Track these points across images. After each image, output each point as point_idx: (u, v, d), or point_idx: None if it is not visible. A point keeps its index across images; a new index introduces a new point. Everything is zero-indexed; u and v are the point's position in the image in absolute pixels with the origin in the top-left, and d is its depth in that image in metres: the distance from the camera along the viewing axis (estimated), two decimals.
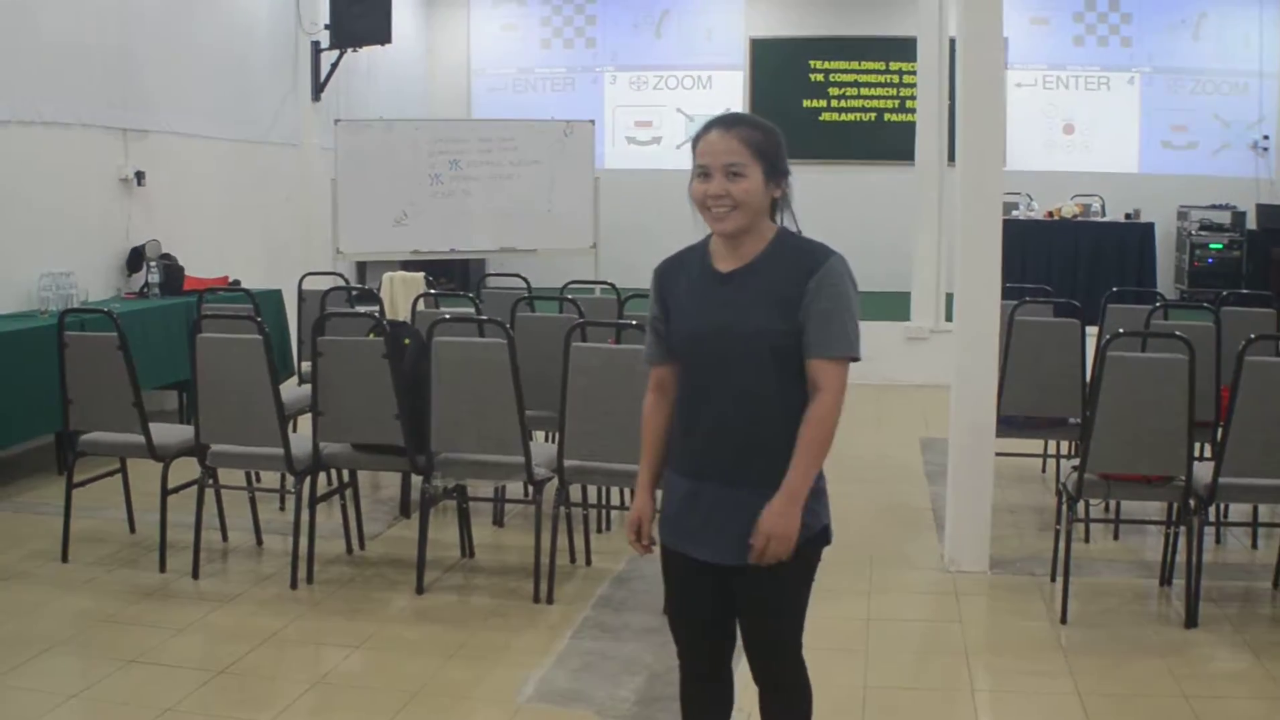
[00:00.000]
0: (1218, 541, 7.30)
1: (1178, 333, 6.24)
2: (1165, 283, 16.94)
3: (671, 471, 3.73)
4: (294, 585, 6.42)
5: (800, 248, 3.58)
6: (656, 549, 3.79)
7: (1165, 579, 6.56)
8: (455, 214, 14.50)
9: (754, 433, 3.55)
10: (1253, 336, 6.00)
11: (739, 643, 3.77)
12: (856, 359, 3.52)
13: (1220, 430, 6.12)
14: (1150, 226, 16.20)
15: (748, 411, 3.54)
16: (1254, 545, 7.27)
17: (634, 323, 6.64)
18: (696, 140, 3.58)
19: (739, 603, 3.69)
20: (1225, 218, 17.04)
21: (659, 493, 3.80)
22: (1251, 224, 17.07)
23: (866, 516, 7.77)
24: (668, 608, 3.84)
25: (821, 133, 17.89)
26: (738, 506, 3.55)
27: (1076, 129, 18.03)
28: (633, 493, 7.68)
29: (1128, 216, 16.52)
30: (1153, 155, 17.89)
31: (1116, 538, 7.40)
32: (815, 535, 3.61)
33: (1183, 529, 6.21)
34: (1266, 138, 17.68)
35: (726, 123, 3.55)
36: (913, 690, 5.33)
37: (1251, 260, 16.69)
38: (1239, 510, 7.51)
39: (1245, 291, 9.41)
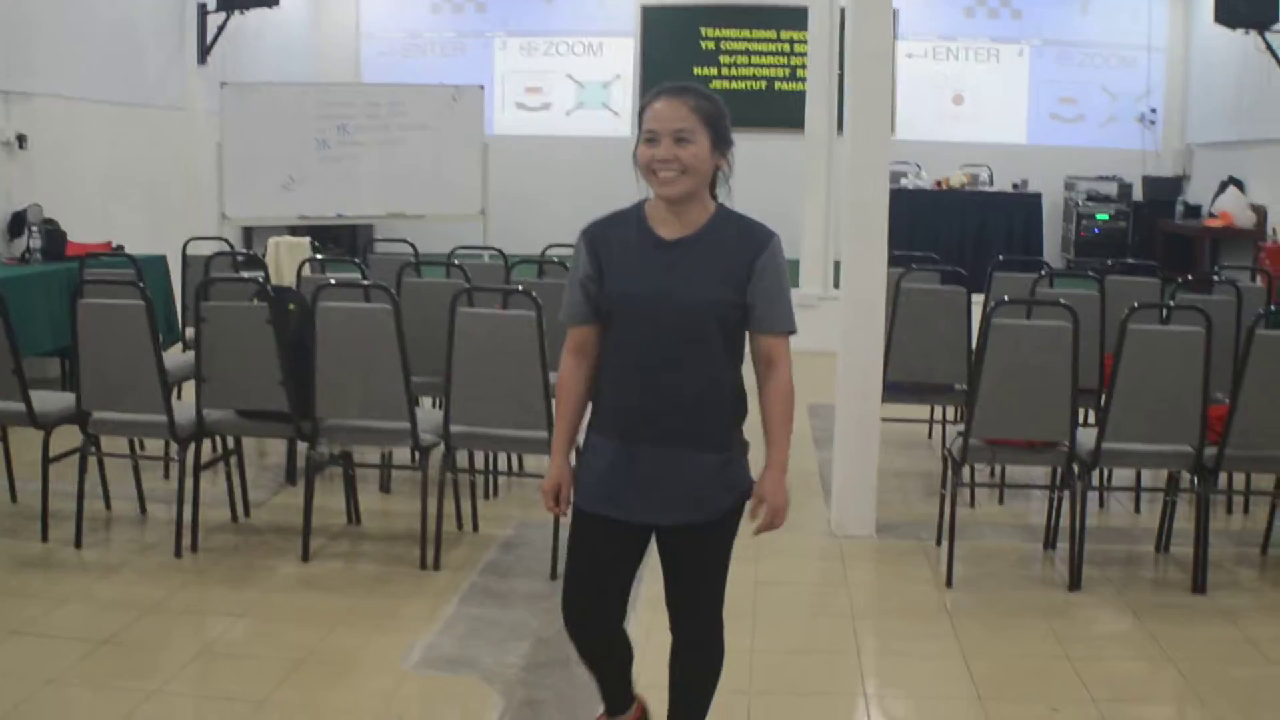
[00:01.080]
0: (1100, 506, 7.42)
1: (1062, 300, 6.34)
2: (1052, 252, 17.17)
3: (596, 434, 3.76)
4: (178, 554, 6.34)
5: (744, 226, 3.69)
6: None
7: (1049, 543, 6.67)
8: (343, 179, 14.39)
9: (693, 395, 3.64)
10: (1135, 305, 6.10)
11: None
12: (795, 332, 3.72)
13: (1104, 397, 6.22)
14: (1038, 197, 16.40)
15: (688, 375, 3.62)
16: (1136, 510, 7.40)
17: (520, 289, 6.62)
18: (644, 108, 3.62)
19: (673, 563, 3.81)
20: (1112, 189, 17.29)
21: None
22: (1138, 195, 17.33)
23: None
24: (571, 572, 3.85)
25: None
26: (677, 467, 3.66)
27: (966, 100, 18.20)
28: (520, 458, 7.72)
29: (1015, 187, 16.72)
30: (1041, 127, 18.11)
31: (1001, 502, 7.51)
32: (745, 491, 3.76)
33: (1066, 494, 6.32)
34: (1154, 110, 17.94)
35: (676, 91, 3.60)
36: (800, 653, 5.37)
37: (1137, 231, 16.96)
38: (1122, 475, 7.64)
39: (1130, 261, 9.54)
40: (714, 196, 3.72)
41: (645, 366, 3.63)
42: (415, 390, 6.50)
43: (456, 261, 8.29)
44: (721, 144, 3.64)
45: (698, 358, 3.62)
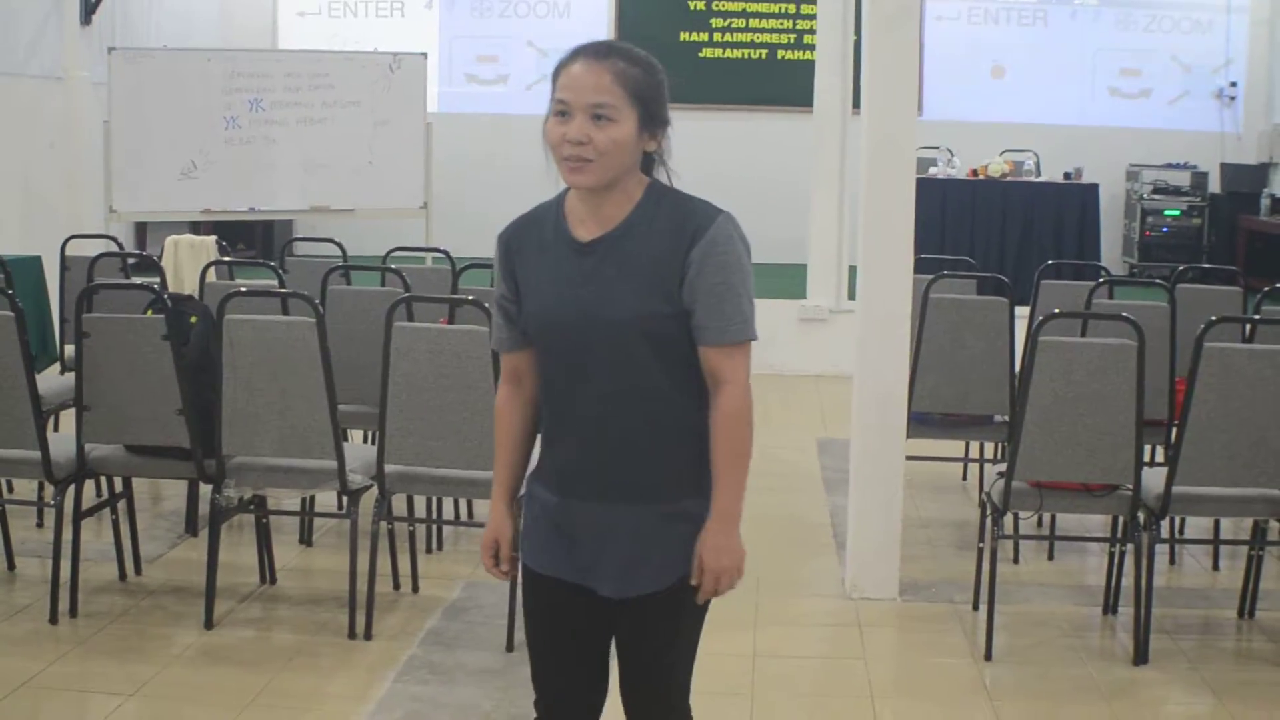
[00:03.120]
0: (1172, 562, 7.44)
1: (1125, 314, 6.34)
2: (1111, 255, 17.20)
3: (534, 481, 3.70)
4: (54, 619, 6.31)
5: (678, 207, 3.51)
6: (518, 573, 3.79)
7: (1110, 607, 6.68)
8: (256, 165, 14.38)
9: (630, 438, 3.51)
10: (1213, 319, 6.11)
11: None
12: (754, 339, 3.51)
13: (1175, 430, 6.22)
14: (1094, 189, 16.45)
15: (622, 412, 3.50)
16: (1215, 566, 7.41)
17: (470, 299, 6.62)
18: (558, 70, 3.46)
19: (622, 636, 3.68)
20: (1184, 179, 17.35)
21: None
22: (1215, 187, 17.38)
23: (753, 533, 7.74)
24: (530, 645, 3.78)
25: (702, 72, 17.94)
26: (613, 527, 3.54)
27: (1007, 72, 18.26)
28: (469, 504, 7.71)
29: (1067, 176, 16.75)
30: (1098, 104, 18.16)
31: (1051, 558, 7.50)
32: None
33: (1130, 547, 6.32)
34: (1234, 85, 18.02)
35: (598, 52, 3.44)
36: None
37: (1214, 229, 17.00)
38: (1197, 525, 7.64)
39: (1206, 266, 9.56)
40: (649, 174, 3.59)
41: (571, 403, 3.55)
42: (343, 422, 6.50)
43: (393, 265, 8.29)
44: (653, 123, 3.48)
45: (631, 389, 3.49)
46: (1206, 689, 5.86)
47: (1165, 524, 6.85)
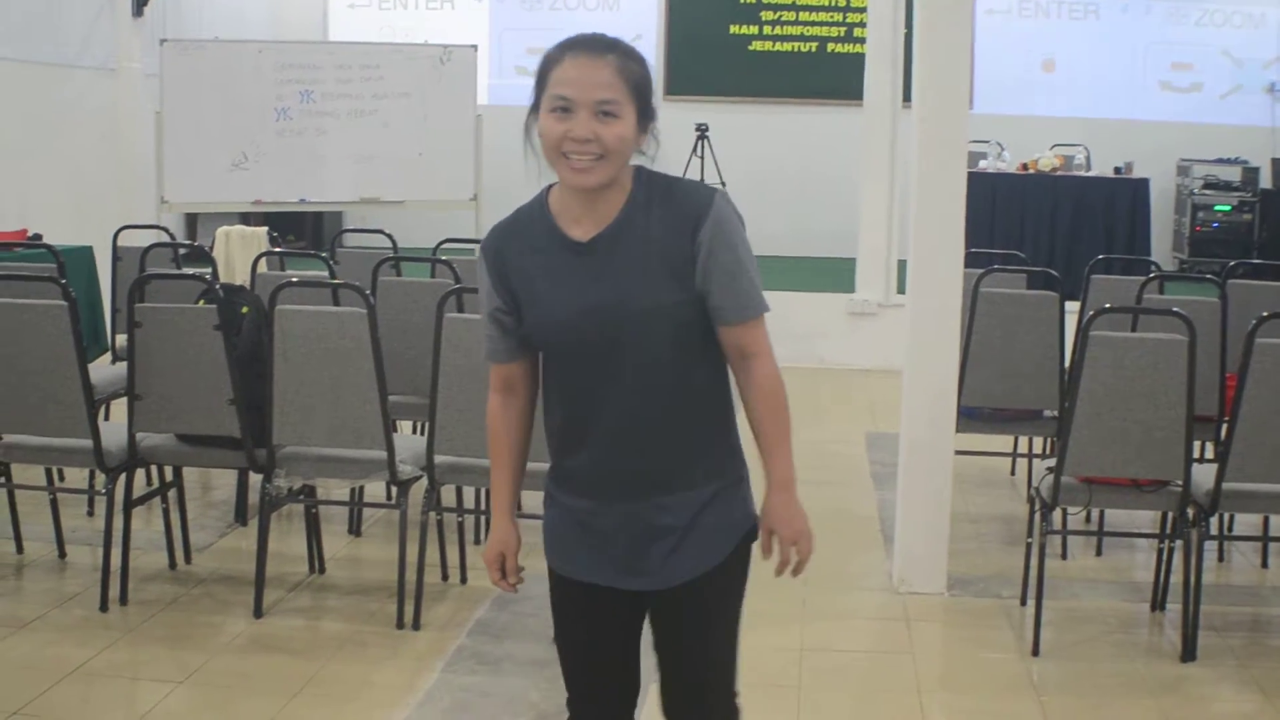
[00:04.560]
0: (1221, 559, 7.42)
1: (1175, 309, 6.31)
2: (1162, 250, 17.12)
3: (555, 487, 3.67)
4: (104, 607, 6.35)
5: (672, 191, 3.50)
6: (525, 583, 3.80)
7: (1158, 603, 6.66)
8: (306, 157, 14.42)
9: (665, 431, 3.50)
10: (1265, 314, 6.08)
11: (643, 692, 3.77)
12: (769, 311, 3.54)
13: (1225, 426, 6.19)
14: (1144, 183, 16.37)
15: (653, 406, 3.49)
16: (1264, 564, 7.38)
17: None
18: (549, 65, 3.39)
19: (661, 632, 3.67)
20: (1235, 174, 17.24)
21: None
22: (1266, 182, 17.28)
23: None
24: (562, 647, 3.79)
25: (752, 64, 17.90)
26: (653, 521, 3.53)
27: (1058, 66, 18.18)
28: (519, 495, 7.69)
29: (1118, 171, 16.68)
30: (1149, 99, 18.07)
31: (1100, 554, 7.49)
32: (749, 531, 3.63)
33: (1179, 544, 6.28)
34: None
35: (595, 46, 3.39)
36: None
37: (1266, 225, 16.89)
38: (1246, 522, 7.58)
39: (1257, 262, 9.52)
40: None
41: (597, 406, 3.49)
42: (393, 413, 6.51)
43: (443, 257, 8.30)
44: (647, 117, 3.44)
45: (659, 383, 3.48)
46: (1255, 687, 5.83)
47: (1214, 520, 6.79)
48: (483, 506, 7.44)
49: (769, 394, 3.53)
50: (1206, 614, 6.29)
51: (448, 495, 6.87)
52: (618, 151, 3.36)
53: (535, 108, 3.42)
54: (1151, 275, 8.19)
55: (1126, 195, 16.20)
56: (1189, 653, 6.07)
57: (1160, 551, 6.62)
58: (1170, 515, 6.35)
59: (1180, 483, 6.05)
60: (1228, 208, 16.96)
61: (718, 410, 3.58)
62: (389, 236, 9.53)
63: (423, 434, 6.85)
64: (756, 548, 3.63)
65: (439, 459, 6.24)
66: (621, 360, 3.44)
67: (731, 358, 3.54)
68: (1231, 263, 9.40)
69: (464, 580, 6.82)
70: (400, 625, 6.22)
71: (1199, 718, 5.56)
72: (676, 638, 3.65)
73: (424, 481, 6.34)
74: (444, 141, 14.76)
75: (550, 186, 3.53)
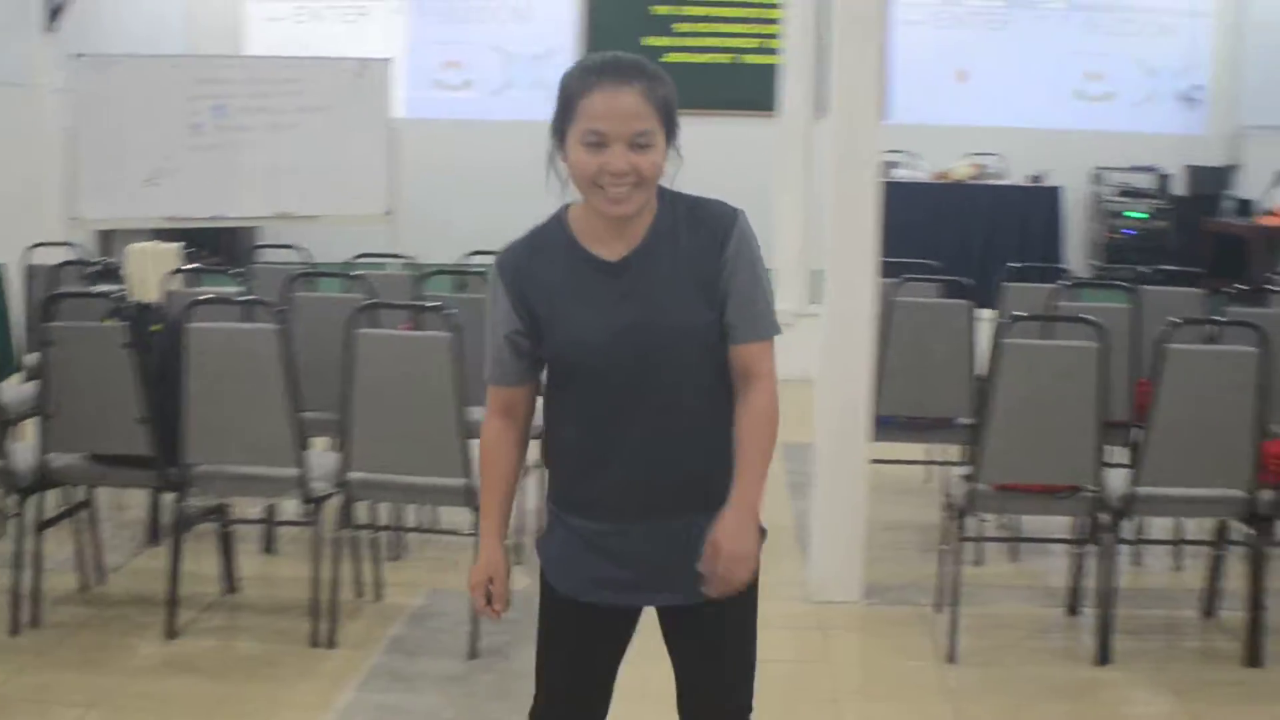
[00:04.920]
0: (1135, 563, 7.45)
1: (1087, 316, 6.35)
2: (1078, 258, 17.25)
3: (567, 513, 3.61)
4: (14, 630, 6.29)
5: (697, 210, 3.50)
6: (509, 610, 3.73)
7: (1072, 608, 6.70)
8: (221, 172, 14.34)
9: (693, 450, 3.50)
10: (1176, 320, 6.14)
11: None
12: (780, 333, 3.57)
13: (1138, 431, 6.24)
14: (1059, 191, 16.48)
15: (682, 426, 3.48)
16: (1178, 567, 7.43)
17: (437, 305, 6.60)
18: (578, 93, 3.31)
19: (684, 647, 3.67)
20: (1149, 182, 17.38)
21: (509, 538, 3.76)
22: (1180, 189, 17.42)
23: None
24: (551, 668, 3.75)
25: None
26: (685, 536, 3.50)
27: (973, 75, 18.27)
28: (432, 511, 7.68)
29: (1033, 180, 16.79)
30: (1064, 108, 18.17)
31: (1015, 560, 7.51)
32: (761, 543, 3.59)
33: (1093, 549, 6.34)
34: (1199, 88, 18.06)
35: (625, 73, 3.30)
36: None
37: (1181, 232, 17.02)
38: (1160, 526, 7.62)
39: (1170, 268, 9.56)
40: None
41: (625, 426, 3.45)
42: (309, 429, 6.48)
43: (357, 272, 8.27)
44: (673, 136, 3.39)
45: (693, 402, 3.48)
46: (1169, 689, 5.88)
47: (1129, 525, 6.83)
48: (398, 523, 7.43)
49: (764, 416, 3.52)
50: (1122, 618, 6.33)
51: (362, 512, 6.84)
52: (653, 179, 3.36)
53: (559, 133, 3.37)
54: (1063, 283, 8.24)
55: (1041, 204, 16.33)
56: (1104, 656, 6.12)
57: (1075, 557, 6.67)
58: (1084, 520, 6.40)
59: (1093, 488, 6.09)
60: (1143, 215, 17.10)
61: (729, 428, 3.54)
62: (302, 251, 9.48)
63: (337, 451, 6.82)
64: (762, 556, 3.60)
65: (353, 475, 6.21)
66: (652, 380, 3.43)
67: (736, 377, 3.53)
68: (1143, 269, 9.47)
69: (379, 597, 6.78)
70: (315, 644, 6.18)
71: None
72: (702, 652, 3.66)
73: (338, 499, 6.31)
74: (359, 155, 14.71)
75: (567, 206, 3.50)
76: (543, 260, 3.48)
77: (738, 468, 3.50)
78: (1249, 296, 8.51)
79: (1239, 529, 6.39)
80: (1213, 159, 17.72)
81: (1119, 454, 7.25)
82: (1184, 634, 6.59)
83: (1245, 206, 16.71)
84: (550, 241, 3.50)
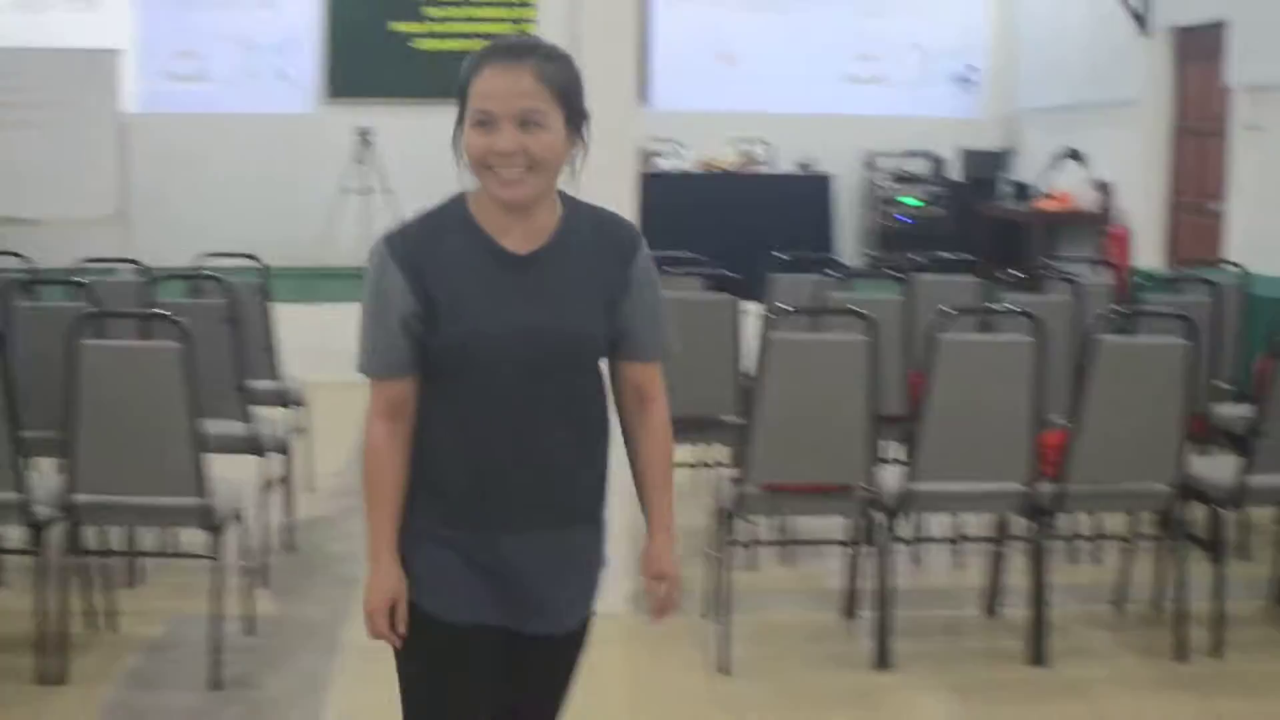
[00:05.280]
0: (915, 562, 7.56)
1: (856, 307, 6.41)
2: (853, 247, 17.45)
3: (438, 524, 3.49)
4: None
5: (603, 220, 3.53)
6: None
7: (850, 611, 6.78)
8: None
9: (581, 459, 3.52)
10: (949, 309, 6.26)
11: None
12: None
13: (912, 426, 6.32)
14: (830, 179, 16.68)
15: (573, 434, 3.48)
16: (958, 565, 7.57)
17: (167, 314, 6.48)
18: (468, 77, 3.32)
19: (532, 678, 3.65)
20: (924, 167, 17.65)
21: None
22: (957, 174, 17.70)
23: None
24: (434, 695, 3.59)
25: (416, 64, 17.82)
26: (563, 553, 3.52)
27: (741, 59, 18.39)
28: (168, 534, 7.55)
29: (802, 167, 16.95)
30: (834, 91, 18.35)
31: (789, 564, 7.58)
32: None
33: (869, 549, 6.42)
34: (975, 69, 18.36)
35: (514, 52, 3.30)
36: None
37: (958, 218, 17.29)
38: (940, 524, 7.76)
39: (945, 255, 9.70)
40: None
41: (516, 429, 3.41)
42: (28, 450, 6.33)
43: (82, 278, 8.10)
44: (577, 120, 3.40)
45: (580, 411, 3.49)
46: (950, 690, 6.00)
47: (906, 523, 6.91)
48: (132, 547, 7.28)
49: (665, 438, 3.65)
50: (902, 619, 6.42)
51: (92, 536, 6.70)
52: (548, 161, 3.32)
53: (460, 121, 3.36)
54: (831, 273, 8.33)
55: (811, 192, 16.53)
56: (883, 660, 6.20)
57: (851, 558, 6.74)
58: (859, 520, 6.46)
59: (866, 486, 6.17)
60: (918, 201, 17.35)
61: (606, 448, 3.58)
62: (24, 258, 9.27)
63: (62, 471, 6.68)
64: None
65: (80, 498, 6.07)
66: (544, 384, 3.42)
67: (627, 397, 3.60)
68: (918, 257, 9.60)
69: (113, 628, 6.65)
70: (43, 681, 6.03)
71: None
72: (547, 686, 3.67)
73: (64, 523, 6.17)
74: (85, 153, 14.51)
75: (462, 195, 3.46)
76: (442, 244, 3.42)
77: (653, 491, 3.66)
78: (1025, 283, 8.68)
79: (1019, 523, 6.50)
80: (989, 143, 18.05)
81: (897, 450, 7.36)
82: (966, 634, 6.71)
83: (1022, 190, 17.02)
84: (450, 225, 3.44)
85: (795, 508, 6.40)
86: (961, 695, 5.95)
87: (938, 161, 17.73)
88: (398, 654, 3.56)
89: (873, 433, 6.10)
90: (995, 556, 6.82)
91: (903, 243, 16.72)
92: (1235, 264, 9.85)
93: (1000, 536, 6.77)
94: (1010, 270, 8.87)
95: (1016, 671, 6.22)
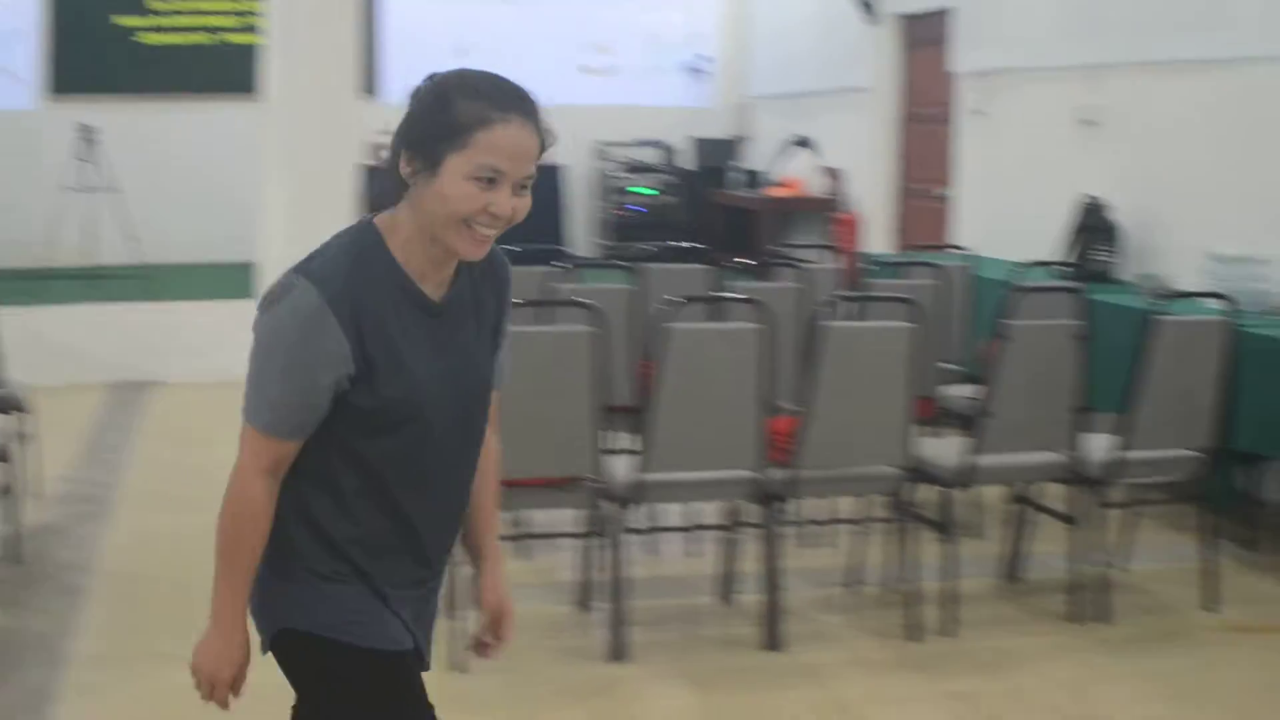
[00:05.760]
0: (652, 552, 7.59)
1: (580, 298, 6.42)
2: (588, 238, 17.48)
3: (346, 570, 3.27)
4: None
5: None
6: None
7: (584, 604, 6.80)
8: None
9: (465, 501, 3.43)
10: (676, 299, 6.30)
11: None
12: None
13: (642, 416, 6.33)
14: (558, 170, 16.70)
15: (468, 480, 3.41)
16: (693, 553, 7.61)
17: None
18: (478, 121, 3.05)
19: None
20: (657, 156, 17.73)
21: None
22: (690, 163, 17.80)
23: (194, 555, 7.61)
24: None
25: (140, 58, 17.33)
26: (434, 595, 3.47)
27: (472, 51, 18.31)
28: None
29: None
30: (568, 82, 18.32)
31: (529, 558, 7.54)
32: None
33: (602, 541, 6.45)
34: (707, 59, 18.47)
35: (529, 109, 3.11)
36: None
37: (691, 207, 17.41)
38: (676, 512, 7.76)
39: (676, 244, 9.76)
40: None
41: (436, 479, 3.29)
42: None
43: None
44: None
45: (479, 449, 3.40)
46: (687, 679, 6.05)
47: (640, 513, 6.92)
48: None
49: (498, 466, 3.57)
50: (639, 609, 6.46)
51: None
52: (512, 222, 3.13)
53: (429, 153, 3.07)
54: (561, 264, 8.31)
55: (542, 182, 16.35)
56: (619, 652, 6.22)
57: (584, 550, 6.74)
58: (591, 512, 6.47)
59: (595, 478, 6.19)
60: (650, 191, 17.42)
61: None
62: None
63: None
64: None
65: None
66: (463, 431, 3.30)
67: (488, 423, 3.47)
68: (649, 246, 9.64)
69: None
70: None
71: (632, 717, 5.69)
72: None
73: None
74: None
75: (373, 225, 3.19)
76: (373, 293, 3.13)
77: (487, 524, 3.55)
78: (755, 270, 8.75)
79: (752, 510, 6.56)
80: (721, 131, 18.17)
81: (631, 440, 7.39)
82: (702, 621, 6.76)
83: (754, 178, 17.15)
84: (375, 270, 3.15)
85: (526, 501, 6.37)
86: (698, 683, 5.99)
87: (670, 151, 17.81)
88: (321, 700, 3.39)
89: (598, 424, 6.12)
90: (729, 543, 6.87)
91: (636, 232, 16.79)
92: (962, 248, 10.04)
93: (733, 523, 6.82)
94: (740, 258, 8.92)
95: (752, 658, 6.27)
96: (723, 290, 7.66)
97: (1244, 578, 7.47)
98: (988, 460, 6.61)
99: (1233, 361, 6.97)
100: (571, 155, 17.07)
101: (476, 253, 3.11)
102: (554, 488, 6.24)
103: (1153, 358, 6.66)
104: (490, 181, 3.03)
